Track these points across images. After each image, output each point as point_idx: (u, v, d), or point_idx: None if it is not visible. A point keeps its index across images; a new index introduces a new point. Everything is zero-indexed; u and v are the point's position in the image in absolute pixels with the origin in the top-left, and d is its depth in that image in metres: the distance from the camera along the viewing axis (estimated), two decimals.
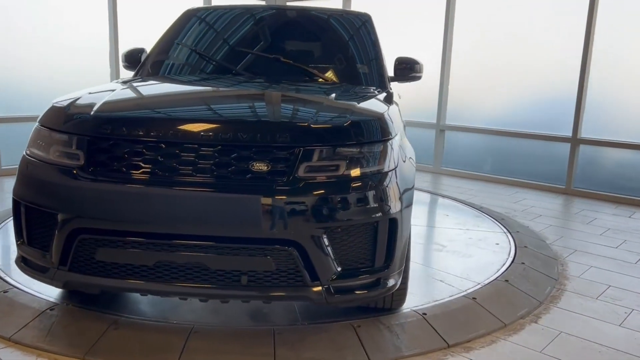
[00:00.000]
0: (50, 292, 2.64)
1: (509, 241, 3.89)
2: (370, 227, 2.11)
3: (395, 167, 2.21)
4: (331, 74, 3.25)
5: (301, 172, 2.02)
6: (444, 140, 6.74)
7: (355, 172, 2.09)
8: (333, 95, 2.56)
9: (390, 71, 3.35)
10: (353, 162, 2.09)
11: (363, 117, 2.28)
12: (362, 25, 3.49)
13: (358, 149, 2.11)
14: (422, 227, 4.23)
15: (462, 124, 6.62)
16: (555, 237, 4.13)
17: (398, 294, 2.52)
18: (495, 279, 3.15)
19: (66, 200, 2.07)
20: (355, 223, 2.06)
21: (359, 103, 2.47)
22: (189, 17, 3.55)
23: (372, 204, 2.08)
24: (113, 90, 2.52)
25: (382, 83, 3.19)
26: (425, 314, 2.64)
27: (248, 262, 2.02)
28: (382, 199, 2.10)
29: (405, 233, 2.28)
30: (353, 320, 2.51)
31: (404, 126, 2.90)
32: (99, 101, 2.28)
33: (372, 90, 2.95)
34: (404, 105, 3.23)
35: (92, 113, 2.18)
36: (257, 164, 2.00)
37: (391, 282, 2.23)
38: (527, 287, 3.08)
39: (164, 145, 2.05)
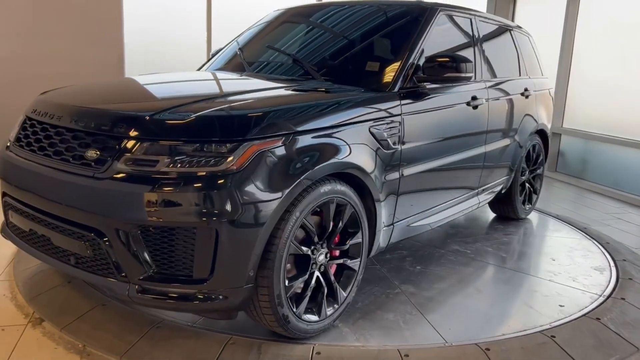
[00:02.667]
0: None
1: (610, 270, 3.36)
2: (188, 233, 1.98)
3: (240, 171, 1.99)
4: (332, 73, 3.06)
5: (121, 163, 2.01)
6: (559, 145, 6.13)
7: (177, 170, 1.98)
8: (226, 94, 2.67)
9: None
10: (179, 160, 1.99)
11: (209, 114, 2.12)
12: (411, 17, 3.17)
13: (190, 148, 2.00)
14: (492, 242, 3.81)
15: (577, 128, 5.97)
16: None
17: (273, 317, 2.19)
18: (583, 315, 2.71)
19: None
20: (167, 225, 1.98)
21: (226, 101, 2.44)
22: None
23: (191, 207, 1.95)
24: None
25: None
26: (488, 349, 2.32)
27: (72, 244, 2.15)
28: (206, 203, 1.95)
29: (246, 246, 2.03)
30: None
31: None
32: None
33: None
34: None
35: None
36: (90, 152, 2.10)
37: (220, 298, 2.04)
38: (624, 328, 2.60)
39: (48, 127, 2.30)
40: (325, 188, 2.27)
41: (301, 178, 2.13)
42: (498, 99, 3.70)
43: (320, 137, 2.28)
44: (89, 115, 2.18)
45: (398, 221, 2.82)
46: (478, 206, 3.72)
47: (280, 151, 2.11)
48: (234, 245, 2.00)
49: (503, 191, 4.07)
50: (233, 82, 3.02)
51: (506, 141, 3.85)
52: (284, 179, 2.09)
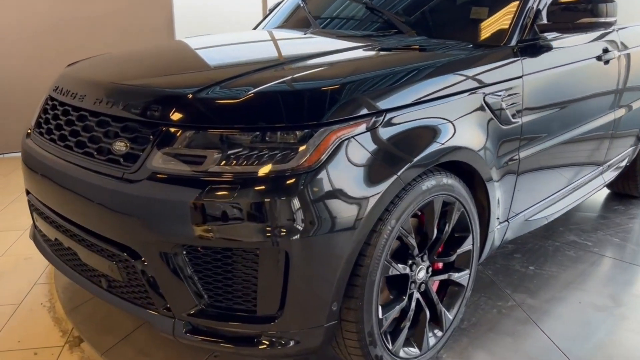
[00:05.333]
0: None
1: None
2: (248, 256, 1.45)
3: (318, 168, 1.42)
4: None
5: (155, 159, 1.48)
6: None
7: (231, 170, 1.43)
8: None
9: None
10: (233, 155, 1.44)
11: (270, 90, 1.54)
12: None
13: (247, 137, 1.44)
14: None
15: None
16: None
17: None
18: None
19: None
20: (220, 245, 1.44)
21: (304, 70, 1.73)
22: None
23: (250, 222, 1.40)
24: None
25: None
26: None
27: (101, 263, 1.67)
28: (270, 215, 1.39)
29: (328, 271, 1.47)
30: None
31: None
32: None
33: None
34: None
35: None
36: (118, 143, 1.59)
37: (293, 342, 1.51)
38: None
39: (70, 110, 1.80)
40: (428, 184, 1.67)
41: (399, 173, 1.54)
42: (629, 50, 2.88)
43: (422, 114, 1.66)
44: (115, 94, 1.66)
45: (514, 215, 2.18)
46: (602, 187, 2.98)
47: (369, 137, 1.51)
48: (311, 271, 1.45)
49: (627, 164, 3.29)
50: (298, 43, 2.40)
51: (637, 103, 3.05)
52: (375, 176, 1.50)
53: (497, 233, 2.09)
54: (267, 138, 1.43)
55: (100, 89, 1.72)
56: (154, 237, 1.48)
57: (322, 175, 1.42)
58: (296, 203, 1.39)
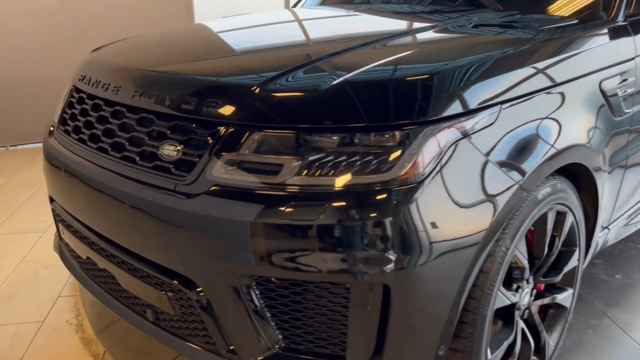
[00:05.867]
0: None
1: None
2: (336, 290, 1.14)
3: (424, 180, 1.09)
4: None
5: (216, 168, 1.16)
6: None
7: (312, 183, 1.11)
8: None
9: None
10: (314, 164, 1.12)
11: (360, 79, 1.22)
12: None
13: (331, 140, 1.12)
14: None
15: None
16: None
17: None
18: None
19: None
20: (299, 279, 1.13)
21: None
22: None
23: (338, 251, 1.09)
24: None
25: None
26: None
27: (146, 292, 1.37)
28: (364, 243, 1.08)
29: (435, 309, 1.17)
30: None
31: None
32: None
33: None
34: None
35: None
36: (167, 147, 1.27)
37: None
38: None
39: (102, 105, 1.49)
40: (544, 192, 1.35)
41: (520, 181, 1.23)
42: None
43: (539, 106, 1.35)
44: (159, 86, 1.35)
45: (615, 220, 1.87)
46: None
47: (483, 137, 1.20)
48: (416, 309, 1.15)
49: None
50: (365, 21, 2.05)
51: None
52: (493, 187, 1.19)
53: (599, 242, 1.79)
54: (356, 140, 1.12)
55: (140, 79, 1.41)
56: (215, 265, 1.19)
57: (432, 187, 1.11)
58: (400, 224, 1.08)
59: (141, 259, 1.33)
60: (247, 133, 1.17)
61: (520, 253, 1.34)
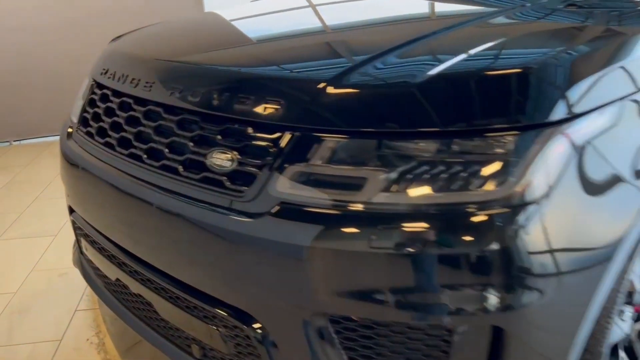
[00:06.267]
0: None
1: None
2: (434, 332, 0.93)
3: (547, 195, 0.88)
4: None
5: (282, 182, 0.95)
6: None
7: (404, 202, 0.89)
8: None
9: None
10: (407, 176, 0.90)
11: (465, 69, 1.01)
12: None
13: (428, 147, 0.90)
14: None
15: None
16: None
17: None
18: None
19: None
20: (394, 319, 0.93)
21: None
22: None
23: (449, 287, 0.88)
24: None
25: None
26: None
27: (191, 325, 1.16)
28: (485, 273, 0.87)
29: (554, 351, 0.96)
30: None
31: None
32: None
33: None
34: None
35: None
36: (219, 156, 1.04)
37: None
38: None
39: (132, 103, 1.25)
40: None
41: None
42: None
43: None
44: (204, 80, 1.13)
45: None
46: None
47: (609, 140, 0.99)
48: (531, 354, 0.94)
49: None
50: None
51: None
52: (625, 198, 0.98)
53: None
54: (464, 148, 0.91)
55: (178, 74, 1.19)
56: (281, 299, 0.98)
57: (557, 205, 0.90)
58: (519, 252, 0.87)
59: (186, 287, 1.12)
60: (320, 139, 0.95)
61: (635, 274, 1.14)
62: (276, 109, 1.00)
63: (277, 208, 0.96)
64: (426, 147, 0.91)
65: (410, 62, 1.05)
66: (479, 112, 0.92)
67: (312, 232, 0.92)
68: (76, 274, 2.28)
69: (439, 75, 0.96)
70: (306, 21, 1.60)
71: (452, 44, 1.13)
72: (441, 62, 0.99)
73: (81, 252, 1.62)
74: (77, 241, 1.60)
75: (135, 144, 1.21)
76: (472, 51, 1.04)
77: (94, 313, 2.04)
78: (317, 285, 0.94)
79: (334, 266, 0.92)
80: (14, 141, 4.25)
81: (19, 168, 3.68)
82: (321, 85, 0.99)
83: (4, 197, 3.17)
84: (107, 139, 1.30)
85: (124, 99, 1.29)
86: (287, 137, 0.97)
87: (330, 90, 0.98)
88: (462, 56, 1.01)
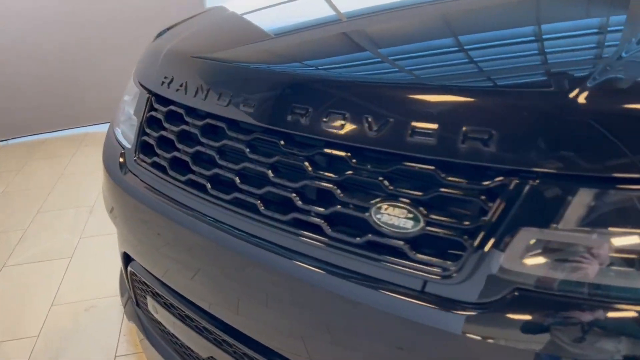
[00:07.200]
0: None
1: None
2: None
3: None
4: None
5: (513, 256, 0.63)
6: None
7: None
8: None
9: None
10: None
11: None
12: None
13: None
14: None
15: None
16: None
17: None
18: None
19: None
20: None
21: None
22: None
23: None
24: None
25: None
26: None
27: None
28: None
29: None
30: None
31: None
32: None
33: None
34: None
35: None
36: (392, 210, 0.71)
37: None
38: None
39: (225, 128, 0.90)
40: None
41: None
42: None
43: None
44: (349, 100, 0.79)
45: None
46: None
47: None
48: None
49: None
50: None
51: None
52: None
53: None
54: None
55: (302, 89, 0.84)
56: None
57: None
58: None
59: None
60: (572, 189, 0.63)
61: None
62: (486, 143, 0.67)
63: (510, 295, 0.64)
64: None
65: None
66: None
67: (586, 342, 0.61)
68: (105, 306, 1.95)
69: None
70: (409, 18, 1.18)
71: None
72: None
73: (137, 305, 1.28)
74: (133, 293, 1.26)
75: (242, 187, 0.87)
76: None
77: (137, 358, 1.72)
78: None
79: None
80: (1, 141, 3.81)
81: (12, 174, 3.26)
82: (565, 104, 0.65)
83: (0, 212, 2.77)
84: (191, 176, 0.96)
85: (209, 120, 0.94)
86: (512, 185, 0.65)
87: (582, 110, 0.65)
88: None
